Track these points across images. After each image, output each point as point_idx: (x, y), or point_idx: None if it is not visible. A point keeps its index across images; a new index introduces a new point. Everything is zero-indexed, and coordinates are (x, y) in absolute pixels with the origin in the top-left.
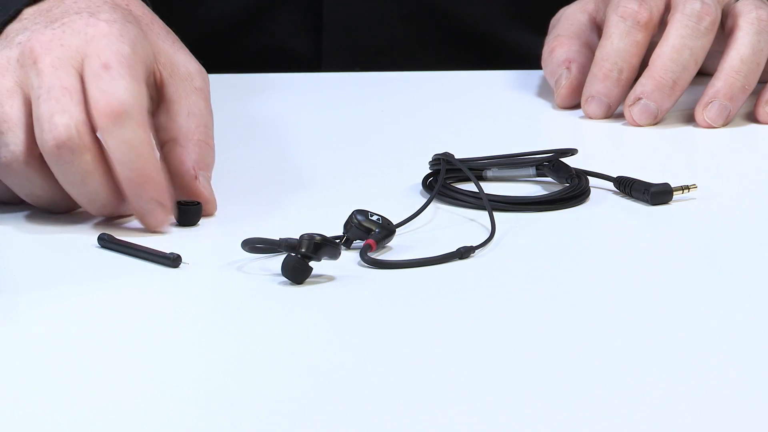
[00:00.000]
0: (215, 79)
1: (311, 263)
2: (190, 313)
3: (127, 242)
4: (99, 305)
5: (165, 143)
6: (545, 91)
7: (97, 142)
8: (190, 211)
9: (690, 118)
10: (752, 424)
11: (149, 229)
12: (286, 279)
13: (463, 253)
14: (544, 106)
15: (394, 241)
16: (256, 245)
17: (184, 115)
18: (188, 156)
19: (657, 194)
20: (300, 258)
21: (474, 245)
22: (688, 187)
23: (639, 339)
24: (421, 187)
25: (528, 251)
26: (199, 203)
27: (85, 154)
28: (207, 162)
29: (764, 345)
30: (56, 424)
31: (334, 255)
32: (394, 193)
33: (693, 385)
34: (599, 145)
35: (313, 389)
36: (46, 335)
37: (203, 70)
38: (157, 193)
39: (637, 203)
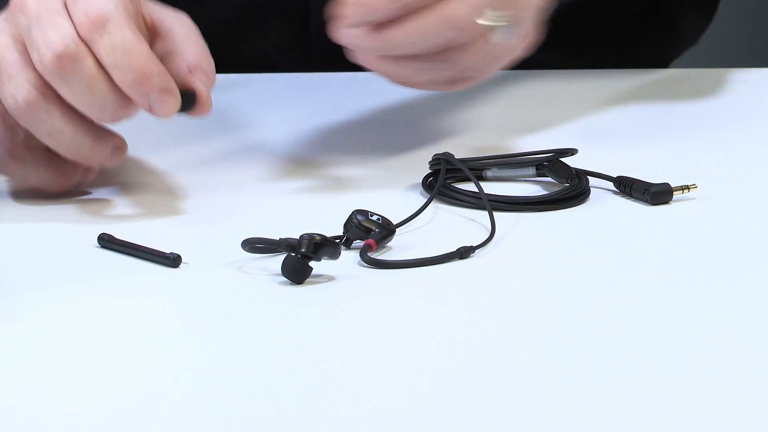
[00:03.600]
0: (218, 78)
1: (311, 263)
2: (190, 313)
3: (128, 242)
4: (99, 305)
5: (162, 58)
6: (545, 91)
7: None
8: (183, 96)
9: (690, 118)
10: (752, 424)
11: (161, 117)
12: (286, 279)
13: (463, 253)
14: (544, 106)
15: (394, 241)
16: (256, 245)
17: (180, 38)
18: (184, 58)
19: (657, 194)
20: (300, 258)
21: (474, 245)
22: (688, 187)
23: (639, 339)
24: (421, 187)
25: (528, 251)
26: (194, 91)
27: (85, 59)
28: (205, 68)
29: (764, 345)
30: (56, 424)
31: (334, 255)
32: (394, 193)
33: (693, 385)
34: (599, 145)
35: (313, 389)
36: (46, 335)
37: (191, 20)
38: (159, 84)
39: (637, 203)
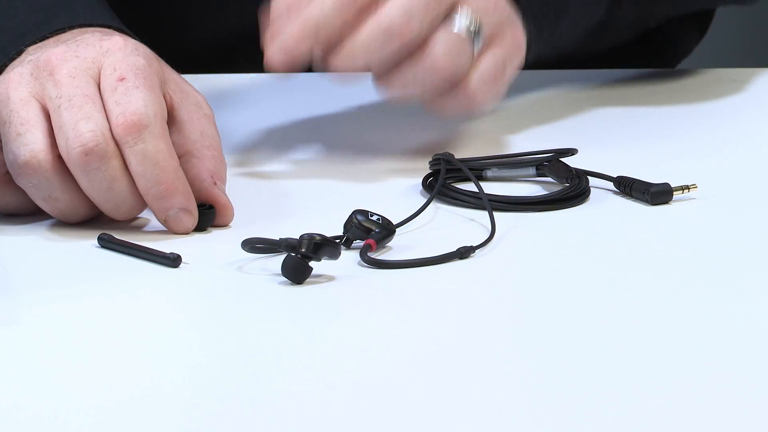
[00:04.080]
0: (218, 78)
1: (311, 263)
2: (190, 313)
3: (128, 242)
4: (99, 305)
5: (181, 157)
6: (546, 91)
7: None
8: (203, 214)
9: (689, 118)
10: (752, 424)
11: (175, 233)
12: (286, 279)
13: (463, 253)
14: (544, 106)
15: (394, 241)
16: (256, 245)
17: (197, 133)
18: (205, 166)
19: (657, 194)
20: (300, 258)
21: (474, 245)
22: (688, 187)
23: (639, 339)
24: (421, 187)
25: (528, 251)
26: (212, 207)
27: (112, 160)
28: (221, 175)
29: (764, 345)
30: (57, 424)
31: (334, 255)
32: (394, 193)
33: (693, 385)
34: (599, 145)
35: (313, 389)
36: (46, 336)
37: (207, 101)
38: (182, 202)
39: (637, 203)
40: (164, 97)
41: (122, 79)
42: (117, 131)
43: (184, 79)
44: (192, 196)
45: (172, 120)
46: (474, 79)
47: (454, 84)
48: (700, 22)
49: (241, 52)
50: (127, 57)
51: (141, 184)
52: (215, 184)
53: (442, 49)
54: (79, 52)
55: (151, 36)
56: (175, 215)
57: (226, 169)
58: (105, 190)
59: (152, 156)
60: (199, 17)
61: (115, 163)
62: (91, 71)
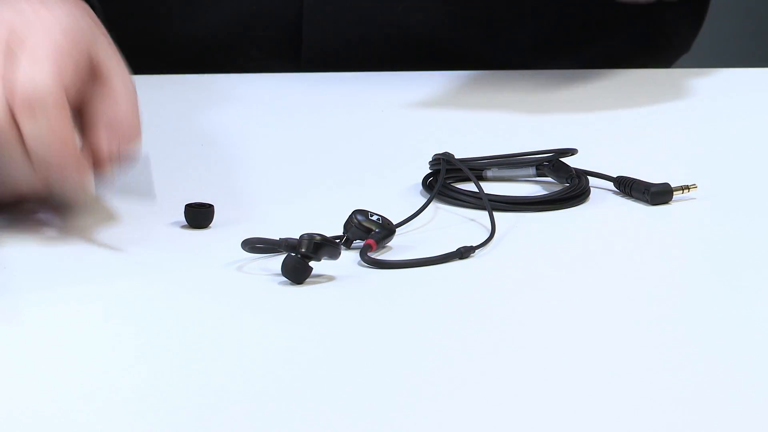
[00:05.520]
0: (212, 79)
1: (311, 263)
2: (190, 313)
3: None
4: (98, 305)
5: (90, 118)
6: (546, 91)
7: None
8: (200, 213)
9: (689, 118)
10: (752, 424)
11: (70, 204)
12: (286, 279)
13: (463, 253)
14: (544, 106)
15: (394, 241)
16: (256, 245)
17: (118, 94)
18: (109, 137)
19: (657, 194)
20: (300, 258)
21: (474, 245)
22: (688, 187)
23: (639, 339)
24: (421, 187)
25: (528, 251)
26: (211, 205)
27: (10, 133)
28: (125, 129)
29: (764, 345)
30: (56, 424)
31: (334, 255)
32: (394, 193)
33: (693, 385)
34: (599, 145)
35: (313, 389)
36: (46, 336)
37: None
38: (75, 182)
39: (637, 203)
40: (90, 59)
41: (32, 50)
42: (14, 102)
43: (117, 52)
44: (86, 177)
45: (95, 78)
46: None
47: None
48: (696, 15)
49: (239, 49)
50: (47, 29)
51: (34, 161)
52: (110, 157)
53: None
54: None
55: (145, 35)
56: (68, 191)
57: (135, 122)
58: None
59: (46, 136)
60: (193, 13)
61: (13, 138)
62: (2, 38)
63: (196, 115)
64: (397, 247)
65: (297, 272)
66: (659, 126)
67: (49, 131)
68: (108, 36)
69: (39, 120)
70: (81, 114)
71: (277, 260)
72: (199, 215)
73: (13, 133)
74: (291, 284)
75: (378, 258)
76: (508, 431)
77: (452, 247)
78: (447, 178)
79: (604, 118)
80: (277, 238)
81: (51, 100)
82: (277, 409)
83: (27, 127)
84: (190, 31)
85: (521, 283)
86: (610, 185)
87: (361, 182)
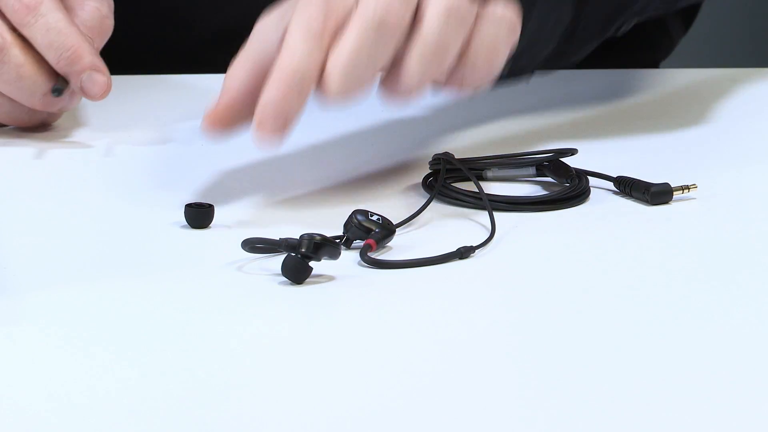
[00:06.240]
0: (212, 78)
1: (311, 263)
2: (190, 312)
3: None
4: (98, 305)
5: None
6: (546, 91)
7: (19, 36)
8: (200, 213)
9: (689, 118)
10: (752, 424)
11: (95, 98)
12: (286, 279)
13: (463, 253)
14: (544, 106)
15: (394, 241)
16: (256, 245)
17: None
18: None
19: (657, 194)
20: (300, 258)
21: (474, 245)
22: (688, 187)
23: (639, 339)
24: (421, 187)
25: (528, 251)
26: (211, 205)
27: (11, 49)
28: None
29: (764, 345)
30: (57, 423)
31: (334, 255)
32: (394, 193)
33: (693, 385)
34: (599, 145)
35: (314, 389)
36: (45, 336)
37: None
38: (92, 61)
39: (637, 203)
40: None
41: None
42: (14, 15)
43: None
44: (99, 56)
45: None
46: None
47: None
48: (686, 17)
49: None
50: None
51: (51, 56)
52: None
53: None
54: None
55: (146, 35)
56: (88, 77)
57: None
58: (15, 80)
59: (54, 26)
60: (194, 13)
61: (16, 51)
62: None
63: (196, 115)
64: (397, 247)
65: (297, 272)
66: (659, 126)
67: (57, 19)
68: None
69: (45, 14)
70: None
71: (277, 260)
72: (199, 215)
73: (13, 44)
74: (291, 284)
75: (378, 258)
76: (509, 431)
77: (452, 247)
78: (447, 178)
79: (604, 118)
80: (277, 238)
81: (46, 1)
82: (276, 409)
83: (35, 25)
84: (191, 31)
85: (521, 283)
86: (610, 185)
87: (361, 182)
